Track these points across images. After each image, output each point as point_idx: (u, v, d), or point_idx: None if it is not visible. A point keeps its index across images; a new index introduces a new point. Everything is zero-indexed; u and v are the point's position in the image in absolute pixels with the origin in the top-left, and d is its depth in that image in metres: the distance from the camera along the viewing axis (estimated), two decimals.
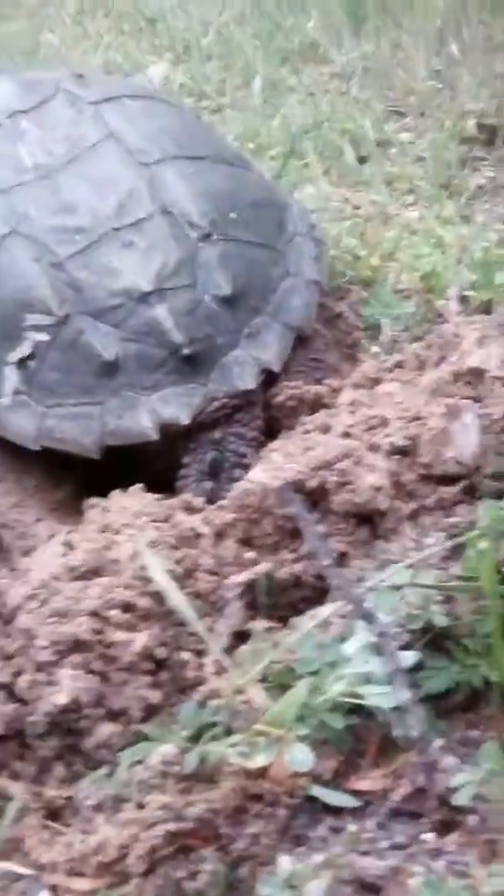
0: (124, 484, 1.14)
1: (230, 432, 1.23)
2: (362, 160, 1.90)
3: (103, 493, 1.14)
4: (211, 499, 1.15)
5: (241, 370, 1.24)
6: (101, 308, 1.24)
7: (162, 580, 0.88)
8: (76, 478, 1.30)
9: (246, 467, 1.19)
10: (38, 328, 1.23)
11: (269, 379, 1.27)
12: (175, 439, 1.23)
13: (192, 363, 1.22)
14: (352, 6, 2.54)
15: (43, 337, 1.23)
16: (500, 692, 0.84)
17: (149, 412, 1.20)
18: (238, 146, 2.00)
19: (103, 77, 1.98)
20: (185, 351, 1.22)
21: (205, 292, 1.26)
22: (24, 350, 1.23)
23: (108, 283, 1.25)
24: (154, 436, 1.20)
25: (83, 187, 1.33)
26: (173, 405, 1.21)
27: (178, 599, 0.87)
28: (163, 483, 1.19)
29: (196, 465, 1.23)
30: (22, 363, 1.23)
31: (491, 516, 0.86)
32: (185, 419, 1.20)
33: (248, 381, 1.24)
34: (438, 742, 0.79)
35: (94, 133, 1.39)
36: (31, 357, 1.23)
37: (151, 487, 1.15)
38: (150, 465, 1.24)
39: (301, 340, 1.33)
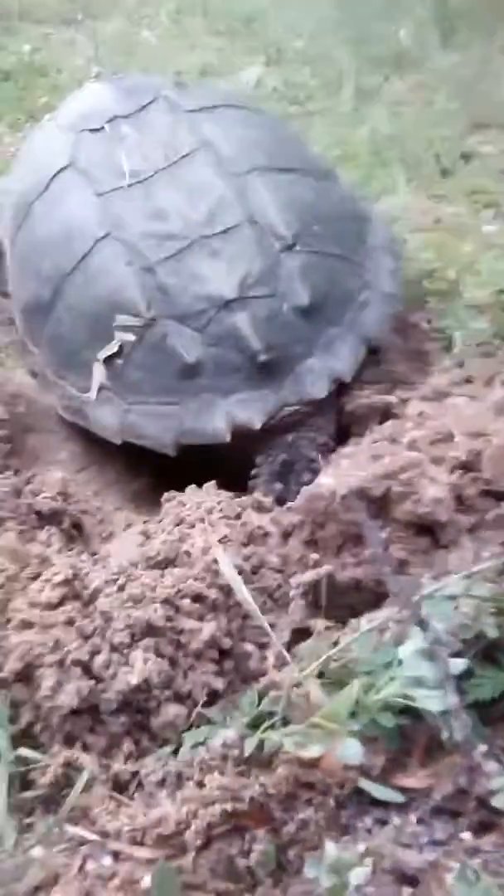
0: (199, 479, 1.20)
1: (302, 437, 1.29)
2: (445, 172, 1.93)
3: (179, 487, 1.20)
4: (279, 500, 1.20)
5: (314, 379, 1.29)
6: (186, 313, 1.30)
7: (230, 575, 0.94)
8: (153, 471, 1.38)
9: (315, 471, 1.24)
10: (126, 328, 1.30)
11: (342, 387, 1.32)
12: (248, 441, 1.29)
13: (267, 370, 1.28)
14: (442, 16, 2.55)
15: (130, 337, 1.29)
16: None
17: (224, 415, 1.26)
18: (325, 153, 2.04)
19: (202, 85, 2.03)
20: (262, 357, 1.27)
21: (284, 302, 1.31)
22: (111, 348, 1.30)
23: (194, 289, 1.31)
24: (227, 437, 1.26)
25: (176, 195, 1.39)
26: (248, 409, 1.27)
27: (244, 594, 0.92)
28: (236, 481, 1.25)
29: (268, 465, 1.28)
30: (109, 361, 1.30)
31: None
32: (257, 423, 1.26)
33: (320, 389, 1.29)
34: (482, 747, 0.83)
35: (189, 141, 1.46)
36: (117, 355, 1.30)
37: (225, 484, 1.22)
38: (224, 463, 1.29)
39: (375, 350, 1.38)
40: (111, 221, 1.37)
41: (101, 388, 1.31)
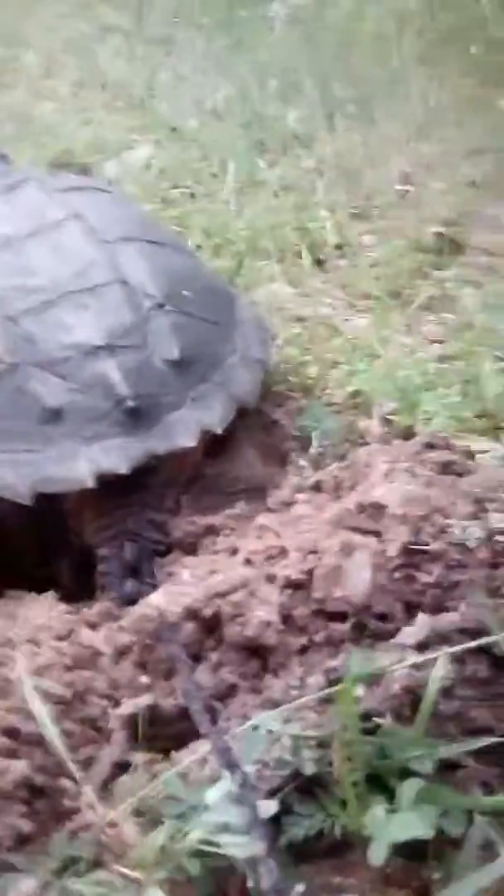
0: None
1: (141, 519, 1.26)
2: (320, 263, 1.95)
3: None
4: (133, 600, 1.16)
5: (183, 428, 1.27)
6: (50, 359, 1.28)
7: (39, 711, 0.90)
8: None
9: (162, 554, 1.22)
10: None
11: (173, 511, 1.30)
12: (86, 518, 1.26)
13: (135, 417, 1.25)
14: (329, 101, 2.61)
15: None
16: (361, 841, 0.86)
17: (87, 461, 1.22)
18: (204, 239, 2.06)
19: (72, 176, 2.08)
20: (130, 403, 1.25)
21: (154, 353, 1.31)
22: None
23: (59, 337, 1.30)
24: (91, 483, 1.21)
25: (45, 255, 1.41)
26: (113, 456, 1.23)
27: (50, 733, 0.89)
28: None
29: (116, 560, 1.24)
30: None
31: (359, 666, 0.88)
32: (123, 469, 1.22)
33: (189, 438, 1.27)
34: (299, 888, 0.81)
35: (59, 213, 1.48)
36: None
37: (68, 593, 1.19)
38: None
39: (234, 453, 1.37)
40: None
41: None
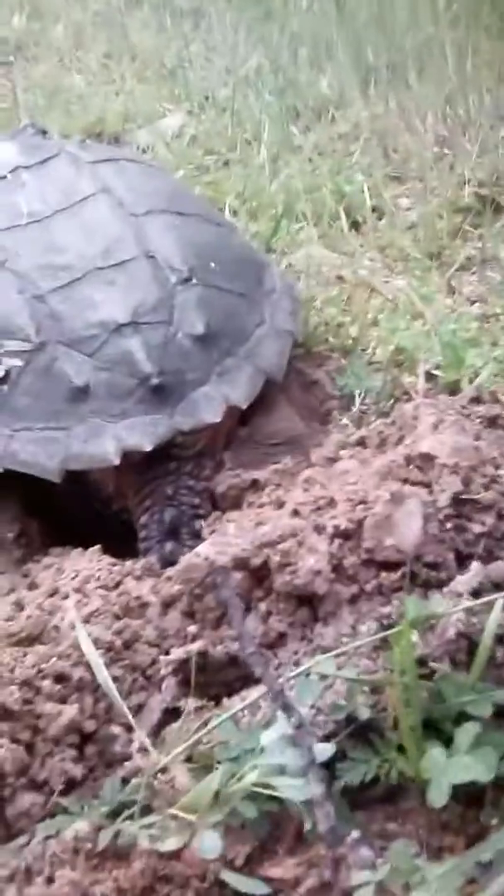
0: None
1: (181, 486, 1.26)
2: (356, 225, 1.93)
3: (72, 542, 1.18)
4: (171, 561, 1.16)
5: (208, 404, 1.26)
6: (77, 338, 1.28)
7: (91, 654, 0.89)
8: (45, 530, 1.33)
9: (203, 517, 1.22)
10: (13, 354, 1.27)
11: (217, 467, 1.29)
12: (126, 488, 1.26)
13: (160, 394, 1.25)
14: (362, 67, 2.58)
15: (17, 362, 1.26)
16: (417, 787, 0.85)
17: (113, 438, 1.22)
18: (239, 204, 2.04)
19: (105, 146, 2.08)
20: (154, 381, 1.24)
21: (179, 329, 1.30)
22: None
23: (86, 315, 1.30)
24: (116, 460, 1.21)
25: (72, 232, 1.40)
26: (138, 433, 1.23)
27: (104, 676, 0.88)
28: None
29: (155, 525, 1.25)
30: None
31: (415, 610, 0.87)
32: (147, 446, 1.22)
33: (214, 415, 1.26)
34: (354, 834, 0.80)
35: (88, 187, 1.48)
36: (3, 382, 1.26)
37: (112, 548, 1.18)
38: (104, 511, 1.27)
39: (271, 408, 1.36)
40: (5, 254, 1.37)
41: None
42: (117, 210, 1.42)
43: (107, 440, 1.22)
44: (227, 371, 1.30)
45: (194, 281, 1.34)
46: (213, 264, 1.39)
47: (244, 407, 1.30)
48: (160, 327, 1.29)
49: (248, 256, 1.52)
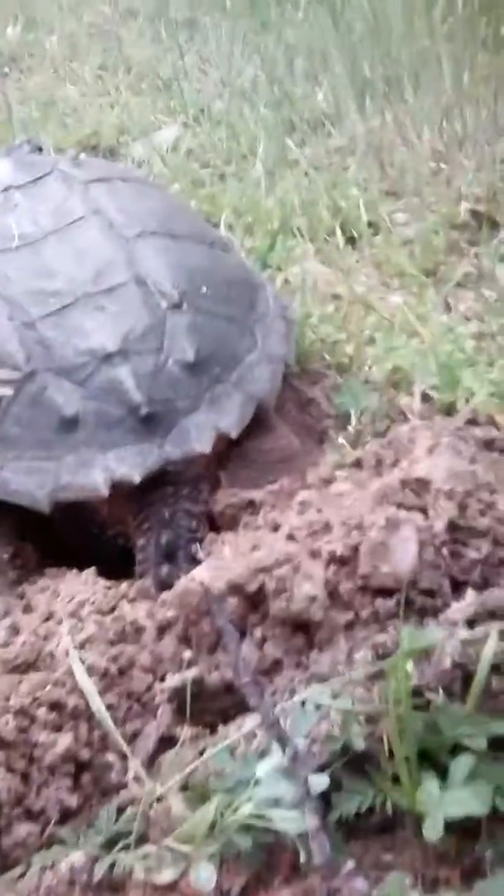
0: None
1: (178, 510, 1.25)
2: (352, 240, 1.93)
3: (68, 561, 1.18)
4: (169, 583, 1.16)
5: (198, 433, 1.26)
6: (66, 366, 1.27)
7: (86, 684, 0.89)
8: (40, 550, 1.33)
9: (199, 540, 1.22)
10: (3, 383, 1.26)
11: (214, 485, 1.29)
12: (122, 513, 1.26)
13: (150, 423, 1.25)
14: (358, 80, 2.58)
15: (7, 391, 1.26)
16: (412, 818, 0.84)
17: (102, 469, 1.22)
18: (235, 219, 2.04)
19: (99, 161, 2.07)
20: (144, 410, 1.24)
21: (169, 357, 1.29)
22: None
23: (75, 343, 1.29)
24: (105, 492, 1.21)
25: (64, 255, 1.40)
26: (127, 464, 1.22)
27: (97, 706, 0.88)
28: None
29: (152, 548, 1.24)
30: None
31: (411, 642, 0.86)
32: (136, 478, 1.22)
33: (204, 444, 1.25)
34: (349, 866, 0.80)
35: (80, 209, 1.47)
36: None
37: (108, 568, 1.18)
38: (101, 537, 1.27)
39: (267, 426, 1.36)
40: None
41: None
42: (108, 232, 1.42)
43: (96, 471, 1.22)
44: (217, 398, 1.30)
45: (185, 306, 1.34)
46: (204, 288, 1.38)
47: (234, 436, 1.29)
48: (150, 355, 1.28)
49: (242, 278, 1.51)
